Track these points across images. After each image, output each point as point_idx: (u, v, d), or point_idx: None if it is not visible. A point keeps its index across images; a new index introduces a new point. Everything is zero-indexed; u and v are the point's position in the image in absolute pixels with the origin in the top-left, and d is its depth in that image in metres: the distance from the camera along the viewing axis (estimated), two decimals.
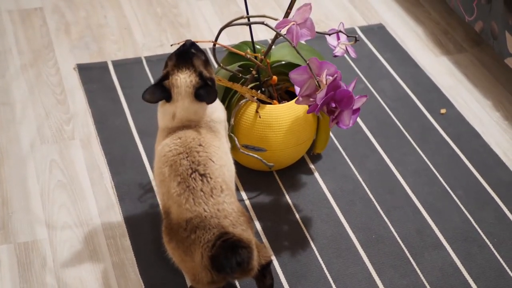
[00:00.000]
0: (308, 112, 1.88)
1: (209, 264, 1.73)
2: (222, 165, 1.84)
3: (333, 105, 1.86)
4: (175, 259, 1.83)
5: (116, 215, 2.10)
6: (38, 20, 2.84)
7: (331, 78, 1.85)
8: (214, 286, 1.79)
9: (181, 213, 1.77)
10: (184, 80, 1.85)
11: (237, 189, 2.18)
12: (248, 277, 1.80)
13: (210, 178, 1.79)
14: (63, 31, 2.79)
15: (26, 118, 2.40)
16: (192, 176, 1.79)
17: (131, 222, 2.08)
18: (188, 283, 1.88)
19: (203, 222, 1.74)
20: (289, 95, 2.24)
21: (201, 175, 1.79)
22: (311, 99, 1.89)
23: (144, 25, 2.83)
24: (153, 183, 2.19)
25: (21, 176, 2.21)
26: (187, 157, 1.81)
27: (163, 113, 1.89)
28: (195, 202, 1.76)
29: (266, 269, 1.83)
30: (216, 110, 1.92)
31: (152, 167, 2.22)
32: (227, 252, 1.71)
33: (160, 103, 1.90)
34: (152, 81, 2.56)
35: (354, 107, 1.88)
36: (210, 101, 1.87)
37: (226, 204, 1.78)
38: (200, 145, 1.83)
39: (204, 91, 1.85)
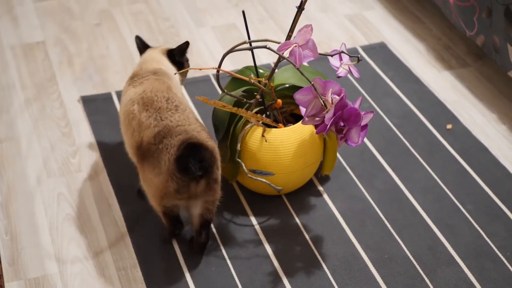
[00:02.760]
0: (317, 132, 1.88)
1: (174, 166, 1.89)
2: (184, 103, 2.06)
3: (341, 123, 1.86)
4: (145, 183, 1.96)
5: (126, 246, 2.09)
6: (41, 54, 2.84)
7: (336, 97, 1.85)
8: (179, 197, 1.92)
9: (151, 133, 1.95)
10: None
11: (246, 214, 2.18)
12: (210, 191, 1.93)
13: (174, 99, 2.02)
14: (65, 63, 2.80)
15: (32, 152, 2.40)
16: (158, 99, 2.01)
17: (141, 252, 2.07)
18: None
19: (170, 131, 1.93)
20: (294, 118, 2.23)
21: (166, 98, 2.02)
22: (317, 119, 1.90)
23: None
24: None
25: (29, 211, 2.20)
26: (150, 91, 2.05)
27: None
28: (162, 118, 1.96)
29: (205, 227, 2.00)
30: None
31: None
32: (191, 151, 1.88)
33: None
34: None
35: (362, 124, 1.88)
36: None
37: (191, 116, 1.99)
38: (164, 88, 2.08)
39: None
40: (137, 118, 2.00)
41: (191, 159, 1.86)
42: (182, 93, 2.26)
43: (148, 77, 2.12)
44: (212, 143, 1.95)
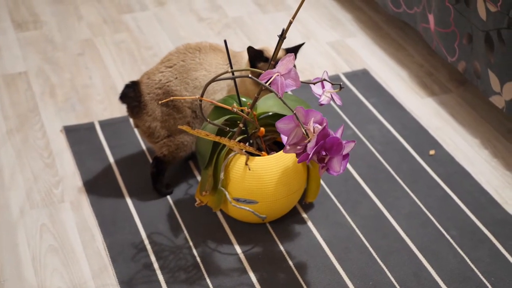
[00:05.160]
0: (299, 161, 1.88)
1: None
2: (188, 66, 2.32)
3: (323, 153, 1.86)
4: None
5: (110, 277, 2.08)
6: (23, 84, 2.84)
7: (318, 126, 1.86)
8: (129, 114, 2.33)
9: None
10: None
11: (231, 243, 2.17)
12: (143, 128, 2.29)
13: (178, 56, 2.31)
14: (48, 94, 2.80)
15: (15, 183, 2.39)
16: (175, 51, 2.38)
17: (125, 283, 2.05)
18: None
19: (149, 71, 2.33)
20: (277, 146, 2.24)
21: (175, 51, 2.34)
22: (299, 147, 1.90)
23: None
24: (146, 242, 2.17)
25: (11, 243, 2.18)
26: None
27: None
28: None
29: (155, 159, 2.32)
30: None
31: (143, 225, 2.21)
32: (129, 86, 2.29)
33: None
34: (140, 139, 2.55)
35: (344, 153, 1.88)
36: None
37: (166, 74, 2.27)
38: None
39: None
40: None
41: (124, 91, 2.28)
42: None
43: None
44: (148, 89, 2.27)
